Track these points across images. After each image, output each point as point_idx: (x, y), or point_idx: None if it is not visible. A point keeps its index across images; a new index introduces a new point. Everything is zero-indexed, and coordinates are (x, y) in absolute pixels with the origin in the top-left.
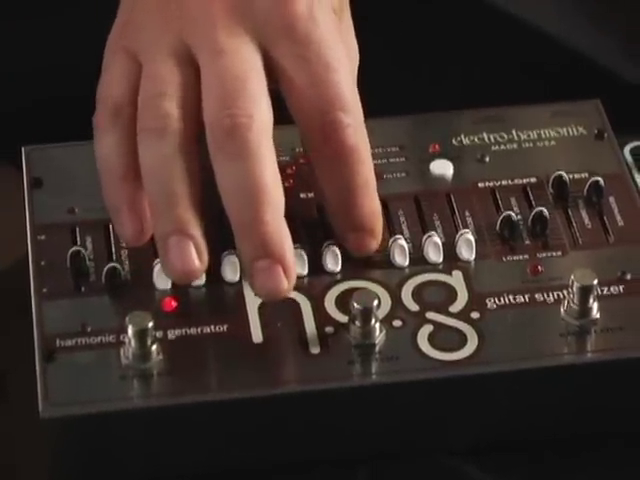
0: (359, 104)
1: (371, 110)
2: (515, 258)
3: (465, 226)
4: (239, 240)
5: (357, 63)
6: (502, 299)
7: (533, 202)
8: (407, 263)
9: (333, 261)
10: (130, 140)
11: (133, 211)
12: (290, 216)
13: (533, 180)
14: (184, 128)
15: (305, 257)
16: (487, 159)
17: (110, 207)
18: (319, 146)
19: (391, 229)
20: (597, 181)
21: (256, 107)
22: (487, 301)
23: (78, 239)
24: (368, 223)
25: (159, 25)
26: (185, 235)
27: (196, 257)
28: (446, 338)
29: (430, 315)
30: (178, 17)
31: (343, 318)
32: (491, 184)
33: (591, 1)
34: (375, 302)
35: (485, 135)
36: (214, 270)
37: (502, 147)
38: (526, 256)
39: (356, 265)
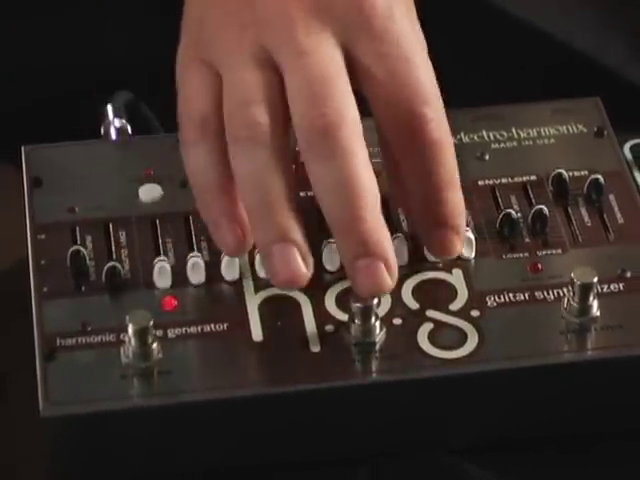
0: (440, 97)
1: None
2: (515, 256)
3: (465, 224)
4: (339, 239)
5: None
6: (502, 297)
7: (533, 200)
8: (407, 261)
9: (333, 260)
10: (221, 152)
11: (233, 222)
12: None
13: (533, 178)
14: (275, 134)
15: None
16: (487, 157)
17: (209, 221)
18: (403, 142)
19: (391, 227)
20: (597, 179)
21: (345, 105)
22: (487, 299)
23: (78, 238)
24: (453, 219)
25: (234, 32)
26: (288, 242)
27: (302, 262)
28: (446, 336)
29: (430, 313)
30: (253, 22)
31: (343, 316)
32: (491, 182)
33: (597, 2)
34: (375, 300)
35: (485, 133)
36: (214, 269)
37: (502, 145)
38: (526, 254)
39: None
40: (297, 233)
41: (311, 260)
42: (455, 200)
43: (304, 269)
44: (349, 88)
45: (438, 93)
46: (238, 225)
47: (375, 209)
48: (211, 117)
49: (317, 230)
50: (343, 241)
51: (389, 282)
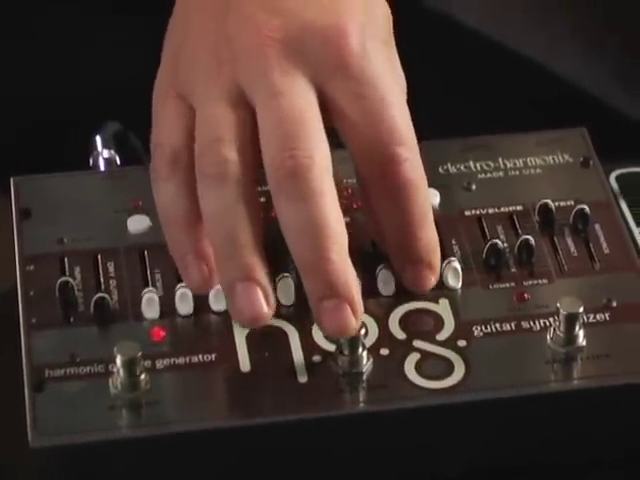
0: (414, 136)
1: None
2: (501, 286)
3: (451, 254)
4: (305, 280)
5: (405, 92)
6: (488, 327)
7: (519, 230)
8: (394, 291)
9: None
10: (190, 187)
11: (199, 258)
12: (276, 245)
13: (519, 208)
14: (244, 173)
15: (292, 286)
16: (473, 187)
17: (175, 256)
18: (378, 181)
19: (378, 258)
20: (583, 209)
21: (316, 147)
22: (474, 329)
23: (67, 269)
24: (426, 255)
25: (211, 68)
26: (252, 281)
27: (264, 302)
28: (433, 366)
29: (417, 343)
30: (230, 60)
31: (330, 347)
32: (477, 212)
33: (581, 30)
34: (362, 331)
35: (471, 163)
36: (202, 300)
37: (488, 175)
38: (512, 284)
39: None
40: (261, 272)
41: (273, 299)
42: (428, 237)
43: (266, 309)
44: (321, 128)
45: (412, 132)
46: (204, 262)
47: (342, 250)
48: (182, 152)
49: None
50: (310, 282)
51: (354, 323)
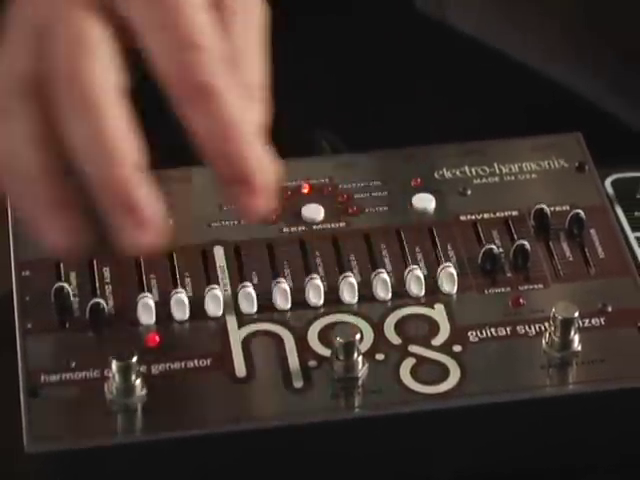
0: (215, 40)
1: (358, 142)
2: (497, 291)
3: (447, 259)
4: (98, 198)
5: (258, 12)
6: (484, 332)
7: (515, 235)
8: (389, 296)
9: (316, 295)
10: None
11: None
12: (273, 251)
13: (515, 213)
14: (28, 110)
15: (288, 291)
16: (469, 192)
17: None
18: (174, 91)
19: (373, 263)
20: (578, 214)
21: (96, 60)
22: (469, 334)
23: (62, 275)
24: (244, 174)
25: (20, 6)
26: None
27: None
28: (428, 371)
29: (412, 348)
30: None
31: (326, 352)
32: (473, 217)
33: (577, 36)
34: (357, 336)
35: (467, 168)
36: (197, 305)
37: (484, 180)
38: (508, 289)
39: (339, 299)
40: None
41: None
42: (246, 150)
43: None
44: (109, 46)
45: (212, 36)
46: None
47: (128, 166)
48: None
49: (300, 265)
50: (101, 199)
51: (149, 235)
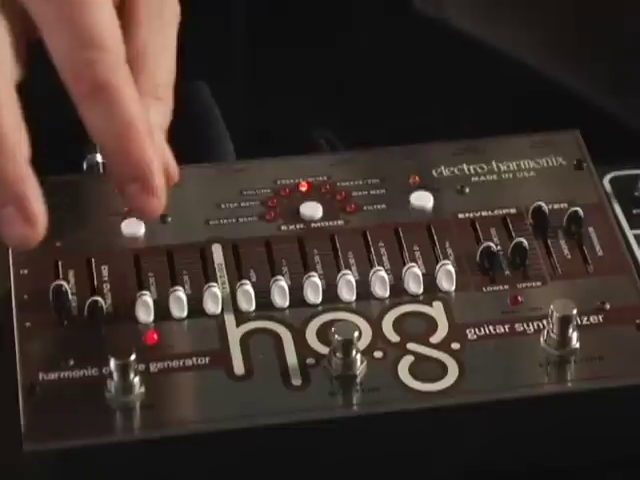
0: (117, 40)
1: (356, 140)
2: (495, 289)
3: (445, 257)
4: None
5: (172, 10)
6: (482, 329)
7: (513, 233)
8: (388, 294)
9: (314, 293)
10: None
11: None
12: (271, 248)
13: (513, 211)
14: None
15: (286, 289)
16: (467, 190)
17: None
18: (73, 88)
19: (371, 261)
20: (576, 211)
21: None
22: (467, 332)
23: (60, 273)
24: (140, 173)
25: None
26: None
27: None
28: (427, 369)
29: (411, 346)
30: None
31: (324, 350)
32: (471, 215)
33: (574, 34)
34: (356, 333)
35: (465, 166)
36: (195, 303)
37: (482, 178)
38: (506, 286)
39: (337, 297)
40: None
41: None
42: (140, 151)
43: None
44: (5, 37)
45: (115, 36)
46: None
47: (17, 158)
48: None
49: (298, 263)
50: None
51: (29, 233)
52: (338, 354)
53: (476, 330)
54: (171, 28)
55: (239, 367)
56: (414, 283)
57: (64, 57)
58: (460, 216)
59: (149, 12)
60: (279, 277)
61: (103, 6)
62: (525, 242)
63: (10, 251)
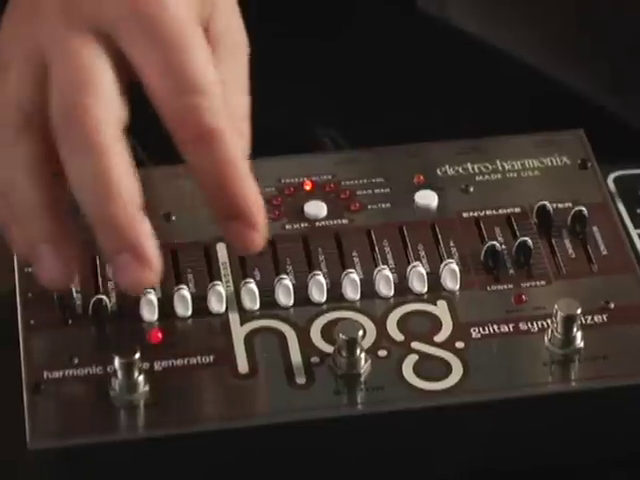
0: (217, 85)
1: (361, 139)
2: (499, 288)
3: (450, 256)
4: (97, 236)
5: (242, 48)
6: (486, 328)
7: (517, 232)
8: (392, 293)
9: (318, 291)
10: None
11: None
12: (275, 247)
13: (517, 210)
14: (31, 137)
15: (291, 288)
16: (471, 189)
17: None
18: (180, 134)
19: (376, 260)
20: (581, 211)
21: (98, 96)
22: (472, 331)
23: None
24: (244, 210)
25: (13, 27)
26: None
27: (63, 264)
28: (431, 368)
29: (415, 345)
30: (30, 22)
31: (329, 348)
32: (475, 214)
33: (578, 34)
34: (360, 332)
35: (469, 165)
36: (200, 301)
37: (486, 177)
38: (510, 286)
39: (341, 296)
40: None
41: (76, 262)
42: (244, 190)
43: (66, 269)
44: (110, 82)
45: (214, 81)
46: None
47: (128, 204)
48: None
49: (303, 261)
50: (100, 238)
51: (147, 278)
52: (342, 353)
53: (480, 329)
54: (245, 64)
55: (243, 366)
56: (418, 282)
57: (167, 102)
58: (464, 215)
59: (226, 51)
60: (283, 276)
61: (203, 51)
62: (529, 241)
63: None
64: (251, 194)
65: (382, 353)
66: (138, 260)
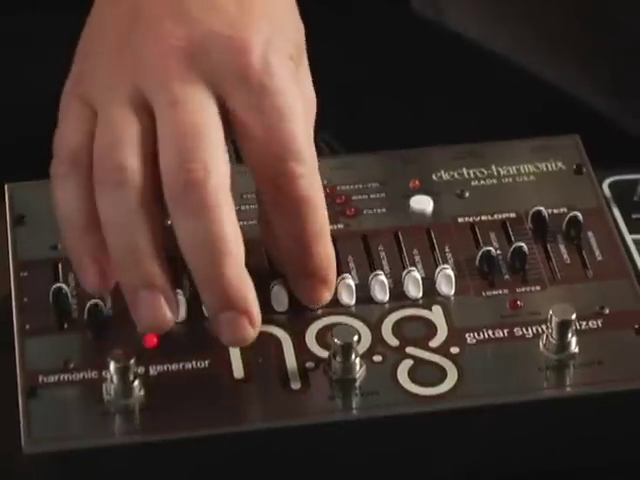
0: (314, 153)
1: (356, 143)
2: (494, 293)
3: (445, 261)
4: (202, 294)
5: (314, 110)
6: (481, 334)
7: (512, 237)
8: (387, 298)
9: None
10: (89, 189)
11: (95, 262)
12: (271, 251)
13: (512, 215)
14: (142, 179)
15: (286, 293)
16: (467, 194)
17: (72, 257)
18: (273, 196)
19: (371, 265)
20: (576, 216)
21: (213, 160)
22: (466, 336)
23: (60, 276)
24: (321, 270)
25: (114, 72)
26: (154, 288)
27: (167, 308)
28: (426, 373)
29: (410, 350)
30: (133, 66)
31: (324, 353)
32: (471, 219)
33: (574, 39)
34: (355, 337)
35: (465, 170)
36: (195, 306)
37: (481, 182)
38: (505, 291)
39: (337, 301)
40: (162, 279)
41: (176, 305)
42: (323, 253)
43: (169, 315)
44: (220, 140)
45: (312, 149)
46: (100, 265)
47: (237, 264)
48: (82, 153)
49: None
50: (206, 296)
51: (251, 334)
52: (338, 358)
53: (475, 334)
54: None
55: (239, 370)
56: (414, 287)
57: (266, 167)
58: (460, 220)
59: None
60: (278, 281)
61: (301, 116)
62: (524, 246)
63: (10, 253)
64: (330, 256)
65: (377, 358)
66: (244, 319)
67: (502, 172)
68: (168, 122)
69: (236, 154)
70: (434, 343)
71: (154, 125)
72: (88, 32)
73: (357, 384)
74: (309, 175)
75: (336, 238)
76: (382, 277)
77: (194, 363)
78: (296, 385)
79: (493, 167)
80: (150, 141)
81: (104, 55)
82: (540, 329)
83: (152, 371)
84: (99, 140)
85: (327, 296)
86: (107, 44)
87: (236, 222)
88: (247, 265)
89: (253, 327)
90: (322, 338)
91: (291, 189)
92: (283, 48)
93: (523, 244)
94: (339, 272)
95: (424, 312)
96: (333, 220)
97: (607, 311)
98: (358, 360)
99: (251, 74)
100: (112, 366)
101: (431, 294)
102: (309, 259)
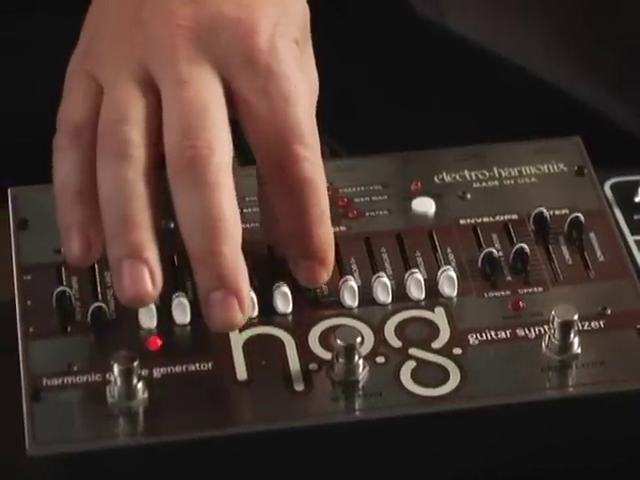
0: (317, 137)
1: (358, 146)
2: (497, 294)
3: (447, 263)
4: (195, 270)
5: (317, 93)
6: (484, 335)
7: (514, 238)
8: (390, 300)
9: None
10: (89, 163)
11: (82, 231)
12: (274, 254)
13: (514, 217)
14: (144, 155)
15: (289, 294)
16: (469, 196)
17: (61, 225)
18: (276, 178)
19: (374, 267)
20: (577, 217)
21: (216, 139)
22: (469, 337)
23: (64, 279)
24: (321, 251)
25: (122, 51)
26: (138, 259)
27: (149, 281)
28: (429, 374)
29: (413, 351)
30: (141, 44)
31: (327, 355)
32: (472, 221)
33: (576, 40)
34: (358, 339)
35: (467, 172)
36: (198, 308)
37: (483, 184)
38: (507, 292)
39: (339, 302)
40: (150, 251)
41: (160, 281)
42: (325, 235)
43: (150, 288)
44: (224, 120)
45: (315, 133)
46: (86, 236)
47: (233, 244)
48: (85, 127)
49: None
50: (199, 272)
51: (239, 317)
52: (340, 359)
53: (478, 335)
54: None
55: (242, 372)
56: (416, 289)
57: (270, 147)
58: (462, 222)
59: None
60: (281, 283)
61: (306, 101)
62: (526, 248)
63: (13, 257)
64: (330, 238)
65: (380, 359)
66: (234, 300)
67: (504, 174)
68: (174, 101)
69: (239, 157)
70: (437, 344)
71: (159, 103)
72: (96, 8)
73: (360, 385)
74: (313, 159)
75: (338, 240)
76: (384, 279)
77: (197, 365)
78: (299, 387)
79: (495, 169)
80: (155, 119)
81: (112, 32)
82: (542, 330)
83: (156, 373)
84: (104, 115)
85: (325, 277)
86: (115, 21)
87: (235, 203)
88: (249, 267)
89: (242, 312)
90: (325, 340)
91: (295, 171)
92: (289, 32)
93: (525, 245)
94: (341, 274)
95: (427, 313)
96: (335, 222)
97: (609, 312)
98: (361, 361)
99: (258, 57)
100: (116, 368)
101: (433, 295)
102: (310, 241)
